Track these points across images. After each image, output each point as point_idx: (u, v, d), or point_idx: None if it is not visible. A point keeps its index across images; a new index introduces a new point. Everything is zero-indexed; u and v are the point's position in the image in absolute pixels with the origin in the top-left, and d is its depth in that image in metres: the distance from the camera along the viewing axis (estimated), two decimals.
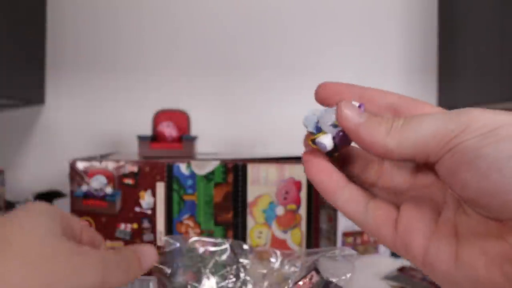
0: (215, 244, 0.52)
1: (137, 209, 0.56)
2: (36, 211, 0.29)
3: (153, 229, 0.57)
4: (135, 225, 0.57)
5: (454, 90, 0.80)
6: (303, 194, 0.57)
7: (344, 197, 0.26)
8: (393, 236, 0.25)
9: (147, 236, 0.57)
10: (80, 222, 0.34)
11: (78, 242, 0.32)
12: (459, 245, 0.23)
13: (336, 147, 0.26)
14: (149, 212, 0.56)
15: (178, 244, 0.51)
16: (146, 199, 0.56)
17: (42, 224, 0.28)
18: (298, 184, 0.57)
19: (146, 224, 0.57)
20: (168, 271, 0.49)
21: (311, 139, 0.26)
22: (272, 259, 0.51)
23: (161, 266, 0.49)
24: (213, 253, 0.51)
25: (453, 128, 0.21)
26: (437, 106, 0.25)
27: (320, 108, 0.27)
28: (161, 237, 0.57)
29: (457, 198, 0.25)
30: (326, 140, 0.26)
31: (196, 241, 0.51)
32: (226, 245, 0.51)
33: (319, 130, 0.26)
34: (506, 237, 0.21)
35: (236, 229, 0.56)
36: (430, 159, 0.23)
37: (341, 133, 0.26)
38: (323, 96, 0.27)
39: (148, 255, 0.35)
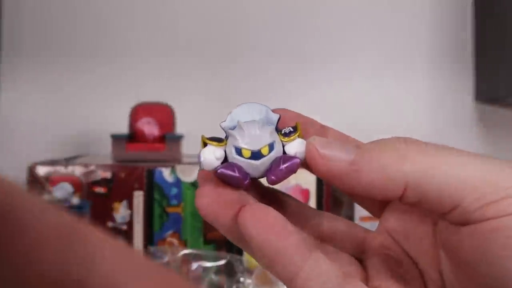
0: (209, 260, 0.51)
1: (109, 223, 0.55)
2: None
3: None
4: None
5: (494, 80, 0.76)
6: (312, 205, 0.54)
7: (305, 273, 0.18)
8: None
9: None
10: None
11: None
12: None
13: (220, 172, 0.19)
14: (124, 227, 0.55)
15: (165, 258, 0.51)
16: (120, 211, 0.55)
17: None
18: (305, 193, 0.56)
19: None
20: None
21: (205, 139, 0.20)
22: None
23: None
24: (207, 270, 0.50)
25: (508, 186, 0.17)
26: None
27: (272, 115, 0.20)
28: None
29: None
30: (210, 155, 0.19)
31: (186, 255, 0.50)
32: (223, 261, 0.50)
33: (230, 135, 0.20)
34: None
35: (230, 248, 0.53)
36: (455, 215, 0.17)
37: (272, 174, 0.19)
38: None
39: None
